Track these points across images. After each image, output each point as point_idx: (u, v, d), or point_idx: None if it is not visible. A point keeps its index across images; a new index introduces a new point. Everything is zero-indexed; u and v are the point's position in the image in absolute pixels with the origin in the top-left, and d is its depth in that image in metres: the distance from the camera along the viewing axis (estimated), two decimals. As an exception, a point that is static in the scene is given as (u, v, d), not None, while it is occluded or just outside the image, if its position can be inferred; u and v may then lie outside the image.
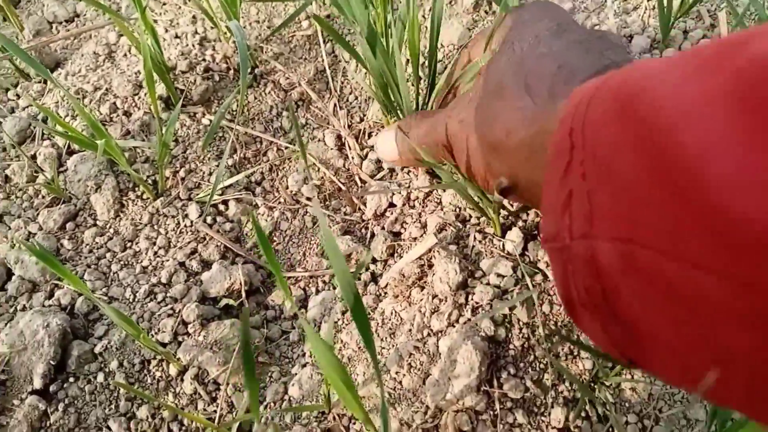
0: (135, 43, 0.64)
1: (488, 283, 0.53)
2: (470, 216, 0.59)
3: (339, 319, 0.57)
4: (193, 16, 0.78)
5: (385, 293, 0.58)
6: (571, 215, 0.28)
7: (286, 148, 0.70)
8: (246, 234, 0.64)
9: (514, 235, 0.55)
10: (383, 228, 0.63)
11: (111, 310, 0.44)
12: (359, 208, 0.66)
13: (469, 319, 0.51)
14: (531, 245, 0.55)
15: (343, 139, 0.70)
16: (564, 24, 0.42)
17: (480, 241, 0.56)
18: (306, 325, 0.35)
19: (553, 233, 0.30)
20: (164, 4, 0.81)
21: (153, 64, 0.61)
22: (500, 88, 0.40)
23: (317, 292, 0.61)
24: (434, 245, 0.55)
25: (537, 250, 0.54)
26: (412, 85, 0.62)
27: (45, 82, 0.74)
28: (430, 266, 0.56)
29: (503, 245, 0.55)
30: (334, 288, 0.60)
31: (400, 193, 0.64)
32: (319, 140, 0.70)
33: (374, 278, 0.60)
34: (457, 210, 0.60)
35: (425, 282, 0.55)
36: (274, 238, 0.64)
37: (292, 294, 0.61)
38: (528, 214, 0.58)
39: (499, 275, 0.53)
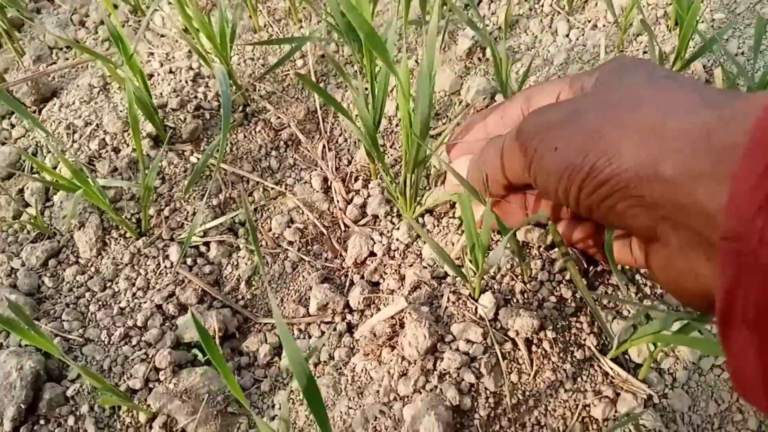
0: (122, 85, 0.64)
1: (457, 349, 0.53)
2: (446, 273, 0.59)
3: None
4: (189, 51, 0.78)
5: (358, 348, 0.58)
6: (765, 221, 0.26)
7: (272, 188, 0.70)
8: (225, 277, 0.65)
9: (487, 300, 0.55)
10: (362, 277, 0.63)
11: (80, 367, 0.45)
12: (340, 255, 0.66)
13: (436, 386, 0.51)
14: (502, 312, 0.54)
15: (329, 182, 0.70)
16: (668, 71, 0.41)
17: (453, 303, 0.56)
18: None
19: (738, 233, 0.27)
20: (162, 36, 0.81)
21: (141, 105, 0.62)
22: (638, 100, 0.37)
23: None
24: (405, 308, 0.55)
25: (508, 318, 0.54)
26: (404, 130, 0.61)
27: (39, 111, 0.75)
28: (402, 326, 0.56)
29: (476, 309, 0.55)
30: (310, 337, 0.61)
31: (381, 242, 0.64)
32: (305, 182, 0.71)
33: (350, 329, 0.60)
34: (435, 266, 0.60)
35: (396, 342, 0.55)
36: (253, 283, 0.64)
37: (268, 341, 0.61)
38: (503, 279, 0.58)
39: (468, 341, 0.53)
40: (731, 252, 0.27)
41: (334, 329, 0.60)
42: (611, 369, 0.54)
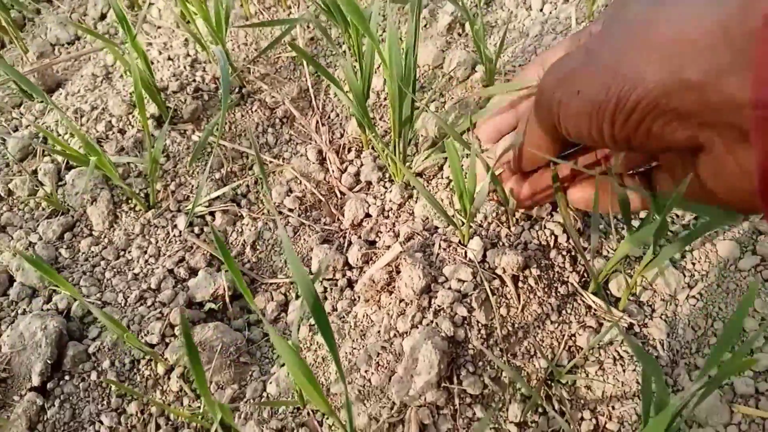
0: (127, 67, 0.69)
1: (450, 288, 0.57)
2: (436, 227, 0.64)
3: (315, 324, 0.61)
4: (186, 39, 0.83)
5: (359, 298, 0.62)
6: None
7: (271, 162, 0.74)
8: (231, 243, 0.69)
9: (475, 243, 0.59)
10: (359, 237, 0.67)
11: (99, 312, 0.49)
12: (338, 219, 0.70)
13: (432, 321, 0.56)
14: (490, 253, 0.59)
15: (324, 154, 0.75)
16: None
17: (444, 249, 0.61)
18: (272, 331, 0.39)
19: (765, 101, 0.28)
20: (159, 27, 0.86)
21: (144, 85, 0.66)
22: (646, 21, 0.36)
23: (297, 297, 0.65)
24: (400, 253, 0.59)
25: (495, 258, 0.58)
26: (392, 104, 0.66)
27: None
28: (398, 272, 0.60)
29: (465, 253, 0.60)
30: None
31: (375, 204, 0.69)
32: (301, 155, 0.75)
33: (350, 284, 0.65)
34: (427, 220, 0.65)
35: (393, 287, 0.59)
36: (257, 247, 0.69)
37: (274, 299, 0.65)
38: (490, 225, 0.62)
39: (460, 280, 0.58)
40: (763, 120, 0.28)
41: (335, 284, 0.64)
42: (593, 302, 0.58)
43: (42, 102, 0.80)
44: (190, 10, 0.76)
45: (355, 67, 0.73)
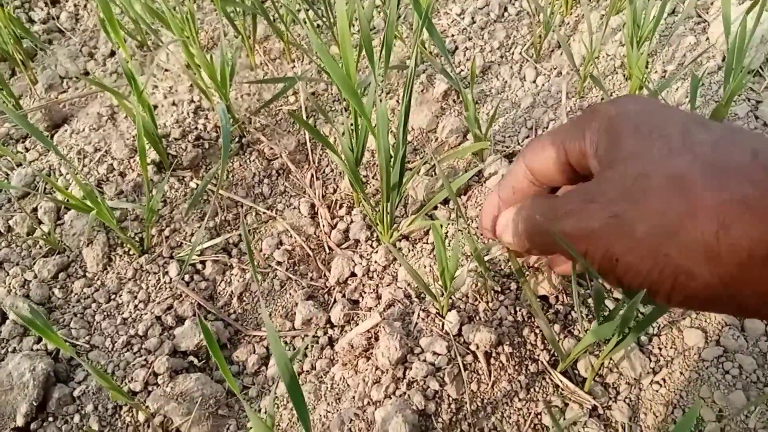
0: (131, 117, 0.71)
1: (425, 360, 0.60)
2: (419, 293, 0.66)
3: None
4: (191, 85, 0.86)
5: (337, 359, 0.64)
6: None
7: (264, 213, 0.77)
8: (219, 293, 0.71)
9: (452, 317, 0.62)
10: (344, 296, 0.70)
11: (90, 366, 0.51)
12: (324, 275, 0.73)
13: (405, 393, 0.58)
14: (465, 327, 0.62)
15: (316, 209, 0.78)
16: (692, 116, 0.38)
17: (423, 319, 0.63)
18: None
19: None
20: (166, 70, 0.89)
21: (147, 135, 0.69)
22: (678, 182, 0.34)
23: (278, 351, 0.68)
24: (379, 322, 0.62)
25: (470, 333, 0.61)
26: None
27: (51, 136, 0.82)
28: (377, 339, 0.63)
29: (442, 325, 0.62)
30: (294, 349, 0.67)
31: (361, 264, 0.71)
32: (294, 207, 0.78)
33: (331, 342, 0.67)
34: (409, 287, 0.67)
35: (371, 353, 0.62)
36: (244, 299, 0.71)
37: (256, 351, 0.68)
38: (468, 300, 0.65)
39: (435, 353, 0.60)
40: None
41: (317, 342, 0.67)
42: (561, 382, 0.61)
43: (47, 136, 0.82)
44: (195, 62, 0.78)
45: (352, 125, 0.76)
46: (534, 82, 0.85)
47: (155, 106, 0.84)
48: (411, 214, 0.74)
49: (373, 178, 0.80)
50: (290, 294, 0.71)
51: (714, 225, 0.32)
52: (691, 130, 0.35)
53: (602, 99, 0.81)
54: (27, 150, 0.82)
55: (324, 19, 0.86)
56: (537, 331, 0.63)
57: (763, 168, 0.32)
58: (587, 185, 0.39)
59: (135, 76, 0.65)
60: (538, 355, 0.62)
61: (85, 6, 1.06)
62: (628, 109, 0.39)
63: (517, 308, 0.64)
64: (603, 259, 0.38)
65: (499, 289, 0.65)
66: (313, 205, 0.78)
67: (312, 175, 0.80)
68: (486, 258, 0.67)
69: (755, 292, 0.32)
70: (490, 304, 0.64)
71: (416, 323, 0.63)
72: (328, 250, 0.75)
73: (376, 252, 0.72)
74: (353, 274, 0.71)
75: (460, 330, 0.62)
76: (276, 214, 0.77)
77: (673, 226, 0.34)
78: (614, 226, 0.36)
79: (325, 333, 0.67)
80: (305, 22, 0.90)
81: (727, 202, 0.32)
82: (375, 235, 0.75)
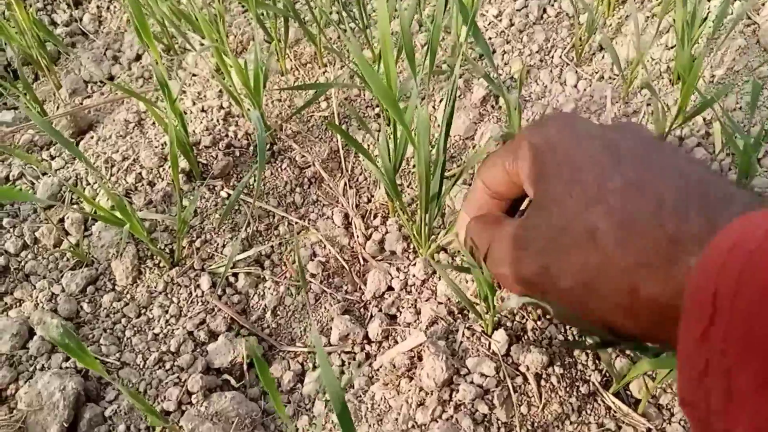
0: (162, 125, 0.69)
1: (472, 382, 0.57)
2: (462, 309, 0.64)
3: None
4: (220, 90, 0.83)
5: (377, 377, 0.62)
6: (707, 389, 0.25)
7: (297, 222, 0.74)
8: (252, 306, 0.69)
9: (500, 336, 0.59)
10: (380, 310, 0.67)
11: (124, 388, 0.49)
12: (360, 288, 0.70)
13: (452, 416, 0.55)
14: (514, 348, 0.59)
15: (350, 219, 0.75)
16: (614, 139, 0.37)
17: (468, 338, 0.61)
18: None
19: (690, 400, 0.27)
20: (194, 75, 0.86)
21: (178, 143, 0.66)
22: (593, 237, 0.34)
23: (314, 368, 0.65)
24: (424, 342, 0.59)
25: (519, 354, 0.58)
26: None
27: (77, 143, 0.80)
28: (420, 358, 0.60)
29: (489, 344, 0.59)
30: (331, 366, 0.65)
31: (398, 277, 0.68)
32: (327, 218, 0.75)
33: (368, 358, 0.64)
34: (449, 302, 0.64)
35: (414, 373, 0.59)
36: (278, 312, 0.69)
37: (291, 368, 0.65)
38: (515, 317, 0.62)
39: (482, 375, 0.57)
40: (692, 417, 0.27)
41: (354, 359, 0.64)
42: (613, 403, 0.58)
43: (73, 143, 0.80)
44: (226, 63, 0.76)
45: (388, 132, 0.73)
46: (575, 86, 0.82)
47: (184, 113, 0.82)
48: (449, 225, 0.72)
49: (408, 186, 0.77)
50: (325, 308, 0.68)
51: (626, 284, 0.33)
52: (605, 173, 0.35)
53: (650, 101, 0.77)
54: (52, 158, 0.80)
55: (357, 22, 0.83)
56: (588, 351, 0.60)
57: (667, 220, 0.32)
58: (522, 225, 0.40)
59: (168, 85, 0.63)
60: (590, 376, 0.59)
61: (108, 8, 1.04)
62: (551, 141, 0.39)
63: (567, 326, 0.61)
64: (542, 301, 0.39)
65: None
66: (346, 215, 0.75)
67: (345, 184, 0.78)
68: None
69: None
70: (539, 323, 0.61)
71: (461, 342, 0.61)
72: (362, 262, 0.72)
73: (414, 265, 0.69)
74: (390, 288, 0.69)
75: (508, 350, 0.59)
76: (309, 224, 0.74)
77: (593, 282, 0.35)
78: (544, 276, 0.38)
79: (362, 349, 0.65)
80: (339, 24, 0.87)
81: (633, 265, 0.32)
82: (411, 246, 0.72)
